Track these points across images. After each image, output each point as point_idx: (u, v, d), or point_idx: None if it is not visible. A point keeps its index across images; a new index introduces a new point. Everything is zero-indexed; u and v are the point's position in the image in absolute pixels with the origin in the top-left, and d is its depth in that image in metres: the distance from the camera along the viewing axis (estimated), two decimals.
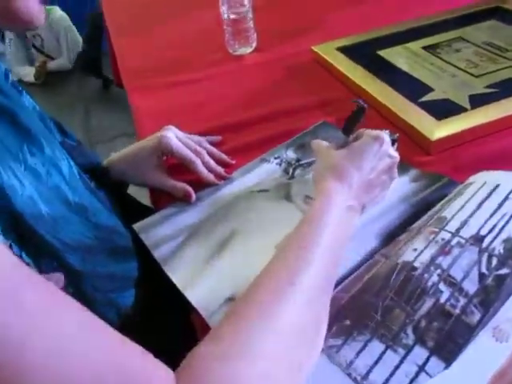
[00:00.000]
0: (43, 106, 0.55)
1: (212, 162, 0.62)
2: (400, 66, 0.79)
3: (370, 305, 0.40)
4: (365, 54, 0.83)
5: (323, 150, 0.53)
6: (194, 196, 0.59)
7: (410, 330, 0.38)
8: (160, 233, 0.56)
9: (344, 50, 0.86)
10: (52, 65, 3.07)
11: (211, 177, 0.60)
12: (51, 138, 0.49)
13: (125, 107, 2.68)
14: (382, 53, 0.83)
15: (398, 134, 0.56)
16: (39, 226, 0.40)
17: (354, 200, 0.47)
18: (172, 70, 0.93)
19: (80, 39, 3.05)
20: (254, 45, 0.96)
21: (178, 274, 0.50)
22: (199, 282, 0.48)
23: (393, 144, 0.54)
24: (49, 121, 0.55)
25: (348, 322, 0.39)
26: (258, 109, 0.77)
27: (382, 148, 0.49)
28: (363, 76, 0.77)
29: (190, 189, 0.59)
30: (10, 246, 0.38)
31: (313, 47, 0.88)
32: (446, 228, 0.44)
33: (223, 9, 0.91)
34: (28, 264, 0.40)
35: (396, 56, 0.82)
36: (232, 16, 0.92)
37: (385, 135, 0.51)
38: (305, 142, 0.66)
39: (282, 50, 0.94)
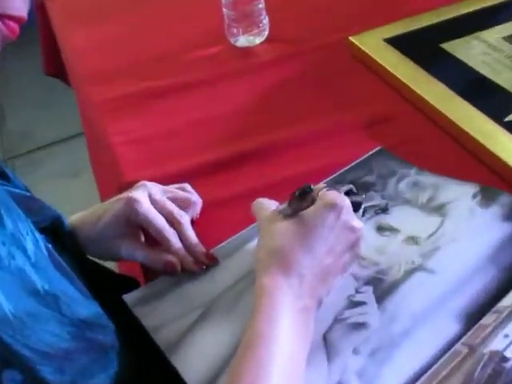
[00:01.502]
0: None
1: (192, 239, 0.67)
2: (475, 66, 0.88)
3: None
4: (424, 48, 0.92)
5: (265, 220, 0.60)
6: (178, 268, 0.65)
7: None
8: (162, 309, 0.63)
9: (395, 41, 0.95)
10: None
11: (188, 260, 0.66)
12: (9, 202, 0.55)
13: (50, 104, 2.61)
14: (446, 46, 0.93)
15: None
16: (4, 332, 0.44)
17: (307, 298, 0.54)
18: (151, 73, 1.01)
19: None
20: (266, 33, 1.04)
21: (193, 374, 0.57)
22: None
23: (357, 209, 0.61)
24: None
25: None
26: (276, 130, 0.85)
27: (341, 219, 0.56)
28: (424, 80, 0.86)
29: (171, 259, 0.65)
30: None
31: (351, 38, 0.97)
32: None
33: None
34: None
35: (467, 51, 0.91)
36: None
37: (344, 200, 0.57)
38: (357, 178, 0.74)
39: (305, 41, 1.03)
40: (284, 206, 0.59)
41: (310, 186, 0.58)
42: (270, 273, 0.55)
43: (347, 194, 0.61)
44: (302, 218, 0.57)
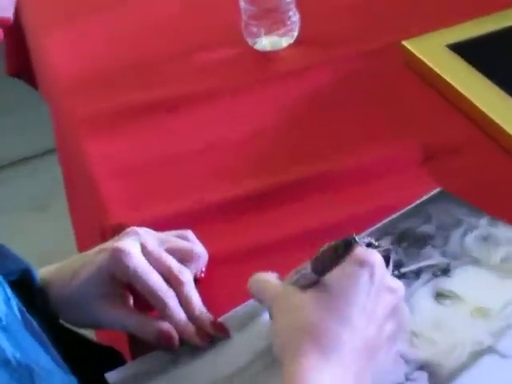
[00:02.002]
0: None
1: (196, 304, 0.67)
2: None
3: None
4: (498, 58, 0.92)
5: (278, 298, 0.59)
6: (176, 340, 0.65)
7: None
8: None
9: (461, 48, 0.94)
10: None
11: (189, 330, 0.65)
12: None
13: (11, 113, 2.56)
14: None
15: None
16: None
17: (352, 380, 0.54)
18: (146, 82, 1.02)
19: None
20: (295, 34, 1.04)
21: None
22: None
23: (387, 264, 0.60)
24: None
25: None
26: (303, 161, 0.85)
27: (375, 279, 0.56)
28: (498, 100, 0.86)
29: (167, 328, 0.65)
30: None
31: (404, 42, 0.97)
32: None
33: None
34: None
35: None
36: None
37: (373, 254, 0.57)
38: (410, 228, 0.73)
39: (344, 44, 1.03)
40: (300, 274, 0.59)
41: (354, 237, 0.58)
42: (303, 354, 0.54)
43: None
44: (326, 284, 0.56)
